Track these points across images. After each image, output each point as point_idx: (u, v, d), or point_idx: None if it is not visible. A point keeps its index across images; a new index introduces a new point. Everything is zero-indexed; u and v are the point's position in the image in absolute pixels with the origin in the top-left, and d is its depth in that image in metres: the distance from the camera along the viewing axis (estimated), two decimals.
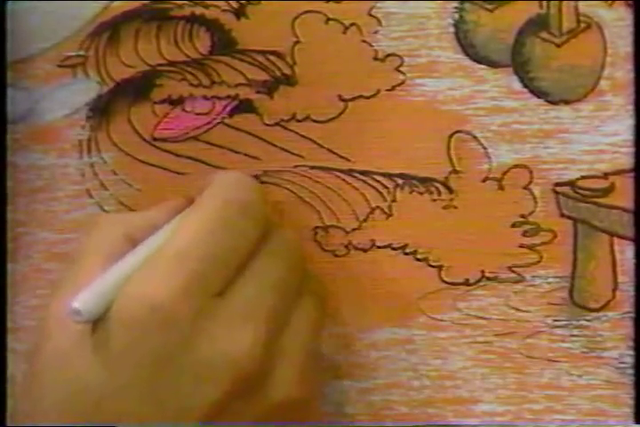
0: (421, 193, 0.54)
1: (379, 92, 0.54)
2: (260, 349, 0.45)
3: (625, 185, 0.53)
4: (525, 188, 0.54)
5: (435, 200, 0.54)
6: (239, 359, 0.44)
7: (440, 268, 0.55)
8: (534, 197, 0.54)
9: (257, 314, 0.45)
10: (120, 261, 0.46)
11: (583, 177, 0.54)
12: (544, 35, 0.53)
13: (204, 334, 0.44)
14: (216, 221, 0.46)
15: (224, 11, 0.55)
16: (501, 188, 0.54)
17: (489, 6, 0.54)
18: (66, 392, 0.44)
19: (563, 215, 0.54)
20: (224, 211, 0.47)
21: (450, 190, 0.54)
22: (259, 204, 0.49)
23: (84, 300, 0.44)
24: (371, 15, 0.54)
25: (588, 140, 0.53)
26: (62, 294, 0.46)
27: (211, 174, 0.51)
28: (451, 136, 0.54)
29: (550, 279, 0.54)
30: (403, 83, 0.54)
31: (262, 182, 0.55)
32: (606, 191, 0.53)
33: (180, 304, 0.44)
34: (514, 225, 0.54)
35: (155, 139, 0.56)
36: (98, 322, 0.45)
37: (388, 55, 0.54)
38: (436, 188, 0.54)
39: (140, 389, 0.44)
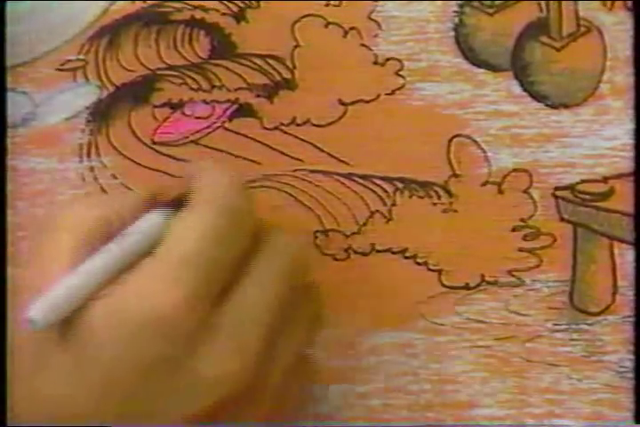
0: (421, 197, 0.54)
1: (379, 96, 0.54)
2: (253, 367, 0.45)
3: (625, 189, 0.53)
4: (525, 192, 0.54)
5: (434, 204, 0.54)
6: (231, 377, 0.44)
7: (440, 272, 0.54)
8: (534, 201, 0.54)
9: (253, 330, 0.45)
10: (89, 262, 0.44)
11: (583, 181, 0.54)
12: (544, 39, 0.53)
13: (203, 348, 0.44)
14: (216, 229, 0.46)
15: (224, 14, 0.55)
16: (501, 192, 0.54)
17: (489, 10, 0.54)
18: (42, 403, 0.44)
19: (562, 219, 0.54)
20: (221, 218, 0.46)
21: (449, 194, 0.54)
22: (252, 211, 0.48)
23: (43, 308, 0.42)
24: (370, 19, 0.54)
25: (587, 144, 0.53)
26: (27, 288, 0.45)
27: (191, 167, 0.51)
28: (450, 140, 0.54)
29: (550, 283, 0.54)
30: (402, 87, 0.54)
31: (262, 186, 0.55)
32: (606, 195, 0.53)
33: (185, 315, 0.43)
34: (514, 229, 0.54)
35: (154, 143, 0.56)
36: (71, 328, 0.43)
37: (388, 59, 0.54)
38: (436, 192, 0.54)
39: (124, 400, 0.43)
